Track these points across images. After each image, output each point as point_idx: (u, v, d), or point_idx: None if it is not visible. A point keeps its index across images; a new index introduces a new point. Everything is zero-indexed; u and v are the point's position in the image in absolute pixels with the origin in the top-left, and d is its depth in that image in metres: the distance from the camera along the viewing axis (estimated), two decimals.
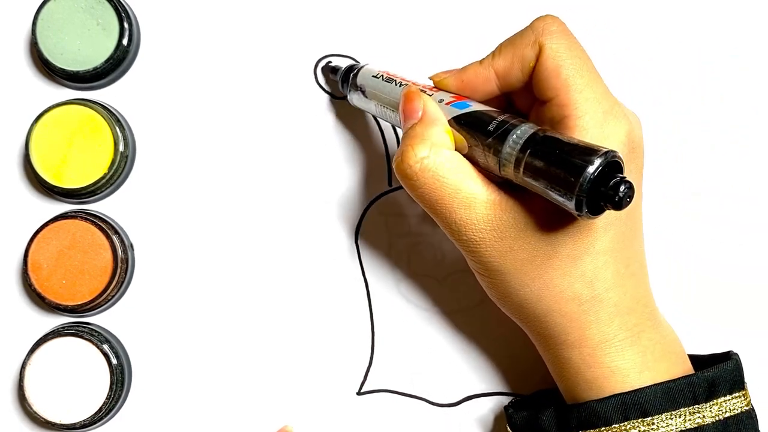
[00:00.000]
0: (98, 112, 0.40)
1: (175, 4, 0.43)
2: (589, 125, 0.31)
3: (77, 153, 0.40)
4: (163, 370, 0.41)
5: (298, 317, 0.41)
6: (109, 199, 0.42)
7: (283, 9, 0.43)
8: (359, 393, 0.41)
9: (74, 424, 0.39)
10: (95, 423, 0.40)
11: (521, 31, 0.33)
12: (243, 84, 0.42)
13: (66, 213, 0.41)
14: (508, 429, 0.36)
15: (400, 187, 0.42)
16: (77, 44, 0.41)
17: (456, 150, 0.32)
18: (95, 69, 0.41)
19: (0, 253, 0.42)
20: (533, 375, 0.41)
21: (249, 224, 0.42)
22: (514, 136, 0.30)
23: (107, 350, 0.40)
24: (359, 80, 0.38)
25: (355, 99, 0.39)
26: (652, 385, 0.31)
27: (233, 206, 0.42)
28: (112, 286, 0.40)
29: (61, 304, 0.40)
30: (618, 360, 0.32)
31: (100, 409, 0.39)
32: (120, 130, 0.41)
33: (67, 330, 0.40)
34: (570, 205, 0.28)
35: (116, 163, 0.41)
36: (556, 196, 0.28)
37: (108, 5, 0.41)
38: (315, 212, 0.42)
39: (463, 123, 0.32)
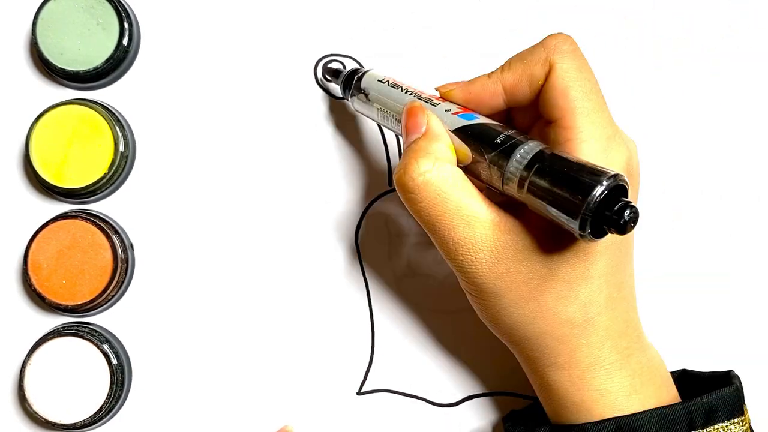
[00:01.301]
0: (98, 112, 0.40)
1: (175, 4, 0.43)
2: (593, 150, 0.31)
3: (77, 153, 0.40)
4: (163, 370, 0.41)
5: (298, 317, 0.41)
6: (109, 199, 0.42)
7: (283, 9, 0.43)
8: (359, 393, 0.41)
9: (74, 424, 0.39)
10: (95, 423, 0.40)
11: (532, 47, 0.33)
12: (243, 84, 0.42)
13: (66, 213, 0.41)
14: None
15: None
16: (77, 44, 0.41)
17: (458, 162, 0.32)
18: (95, 69, 0.41)
19: (0, 253, 0.42)
20: None
21: (249, 224, 0.42)
22: (521, 152, 0.30)
23: (107, 350, 0.40)
24: (363, 83, 0.38)
25: (356, 102, 0.39)
26: (648, 410, 0.31)
27: (233, 206, 0.42)
28: (112, 286, 0.40)
29: (61, 304, 0.40)
30: (607, 383, 0.32)
31: (100, 409, 0.39)
32: (120, 130, 0.41)
33: (67, 330, 0.40)
34: (574, 225, 0.27)
35: (116, 163, 0.41)
36: (559, 216, 0.28)
37: (108, 5, 0.41)
38: (315, 213, 0.42)
39: (469, 134, 0.32)
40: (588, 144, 0.31)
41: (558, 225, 0.29)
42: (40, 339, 0.40)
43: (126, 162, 0.41)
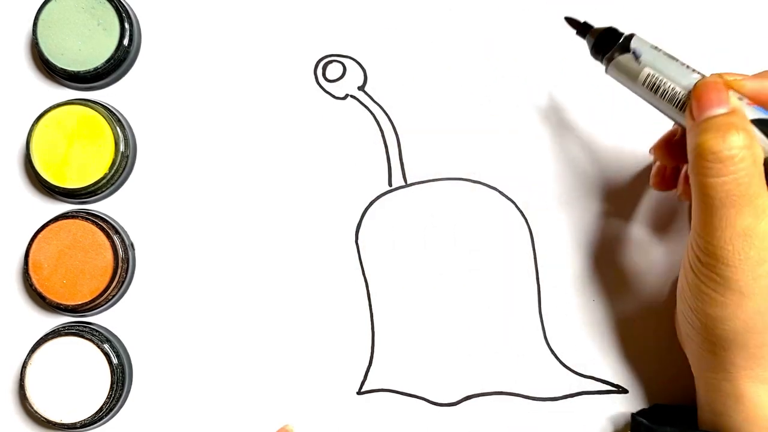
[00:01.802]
0: (99, 113, 0.40)
1: (176, 4, 0.43)
2: None
3: (78, 153, 0.40)
4: (163, 369, 0.41)
5: (298, 317, 0.41)
6: (110, 199, 0.42)
7: (283, 9, 0.43)
8: (359, 393, 0.41)
9: (75, 423, 0.39)
10: (96, 422, 0.40)
11: None
12: (243, 84, 0.42)
13: (67, 213, 0.41)
14: None
15: (400, 187, 0.42)
16: (78, 44, 0.41)
17: None
18: (96, 69, 0.41)
19: (1, 253, 0.42)
20: (533, 375, 0.41)
21: (249, 224, 0.42)
22: None
23: (108, 350, 0.40)
24: (634, 43, 0.34)
25: (617, 63, 0.34)
26: None
27: (234, 206, 0.42)
28: (112, 286, 0.40)
29: (61, 304, 0.40)
30: None
31: (101, 408, 0.39)
32: (120, 130, 0.41)
33: (67, 330, 0.40)
34: None
35: (117, 163, 0.41)
36: None
37: (109, 5, 0.41)
38: (315, 212, 0.42)
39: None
40: None
41: None
42: (41, 339, 0.40)
43: (126, 162, 0.41)
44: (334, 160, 0.42)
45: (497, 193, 0.42)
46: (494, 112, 0.42)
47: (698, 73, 0.33)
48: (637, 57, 0.34)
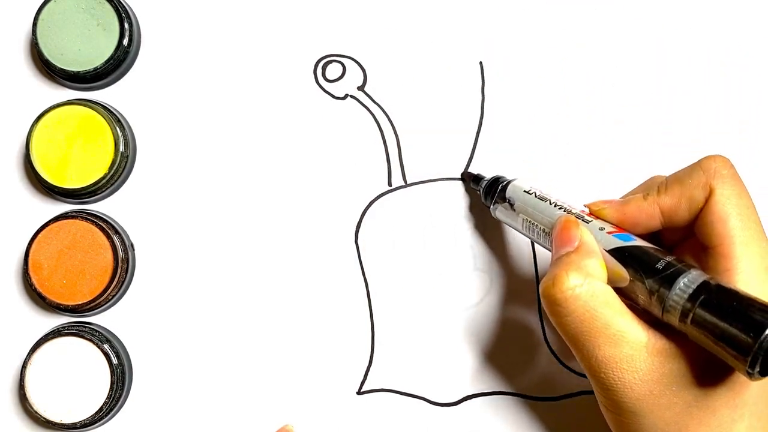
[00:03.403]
0: (99, 113, 0.40)
1: (176, 4, 0.43)
2: (751, 281, 0.30)
3: (78, 153, 0.40)
4: (163, 370, 0.41)
5: (298, 317, 0.41)
6: (110, 199, 0.42)
7: (283, 9, 0.43)
8: (359, 392, 0.41)
9: (75, 423, 0.39)
10: (96, 423, 0.40)
11: (689, 169, 0.32)
12: (243, 84, 0.42)
13: (66, 213, 0.41)
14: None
15: (400, 187, 0.42)
16: (78, 45, 0.41)
17: (610, 283, 0.31)
18: (96, 69, 0.41)
19: (1, 253, 0.42)
20: (533, 374, 0.41)
21: (249, 224, 0.42)
22: (685, 281, 0.29)
23: (108, 350, 0.40)
24: (508, 193, 0.38)
25: (499, 210, 0.38)
26: None
27: (233, 206, 0.42)
28: (112, 286, 0.40)
29: (61, 304, 0.40)
30: None
31: (101, 408, 0.39)
32: (120, 131, 0.41)
33: (67, 330, 0.40)
34: (742, 363, 0.26)
35: (117, 164, 0.41)
36: (725, 351, 0.27)
37: (108, 6, 0.41)
38: (315, 212, 0.42)
39: (627, 255, 0.31)
40: (746, 275, 0.30)
41: (718, 358, 0.28)
42: (41, 339, 0.40)
43: (126, 162, 0.41)
44: (334, 160, 0.42)
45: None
46: (494, 112, 0.42)
47: (564, 209, 0.35)
48: (511, 204, 0.37)
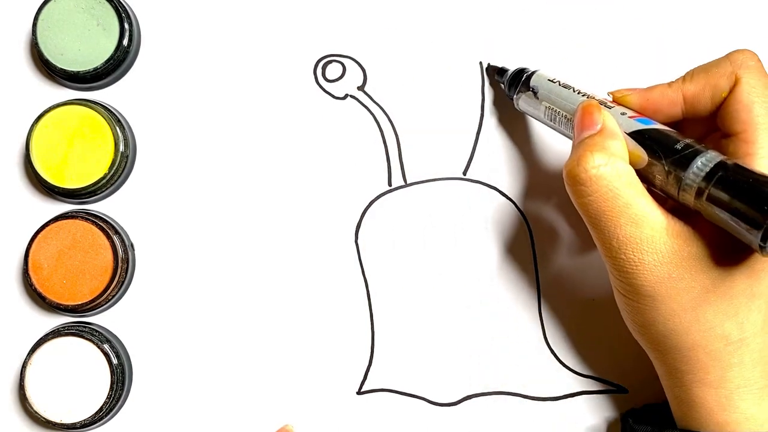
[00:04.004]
0: (99, 113, 0.40)
1: (176, 4, 0.43)
2: None
3: (78, 153, 0.40)
4: (163, 370, 0.41)
5: (298, 317, 0.41)
6: (110, 199, 0.42)
7: (283, 9, 0.43)
8: (359, 392, 0.41)
9: (75, 423, 0.39)
10: (96, 423, 0.40)
11: (717, 60, 0.33)
12: (243, 84, 0.42)
13: (66, 213, 0.41)
14: None
15: (400, 187, 0.42)
16: (77, 45, 0.41)
17: (631, 164, 0.32)
18: (95, 69, 0.41)
19: (1, 253, 0.42)
20: (533, 374, 0.41)
21: (249, 224, 0.42)
22: (703, 160, 0.29)
23: (108, 350, 0.40)
24: (533, 81, 0.38)
25: (522, 99, 0.39)
26: None
27: (233, 206, 0.42)
28: (112, 286, 0.40)
29: (61, 304, 0.40)
30: (754, 408, 0.31)
31: (101, 408, 0.39)
32: (120, 131, 0.41)
33: (67, 330, 0.40)
34: (755, 236, 0.27)
35: (117, 164, 0.41)
36: (740, 226, 0.27)
37: (108, 5, 0.41)
38: (315, 212, 0.42)
39: (646, 137, 0.31)
40: (767, 159, 0.30)
41: (733, 237, 0.28)
42: (41, 339, 0.40)
43: (126, 162, 0.41)
44: (334, 160, 0.42)
45: (497, 193, 0.42)
46: (494, 112, 0.42)
47: (587, 96, 0.35)
48: (535, 93, 0.37)
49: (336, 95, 0.42)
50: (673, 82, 0.34)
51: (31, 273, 0.40)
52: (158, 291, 0.42)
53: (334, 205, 0.42)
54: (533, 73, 0.38)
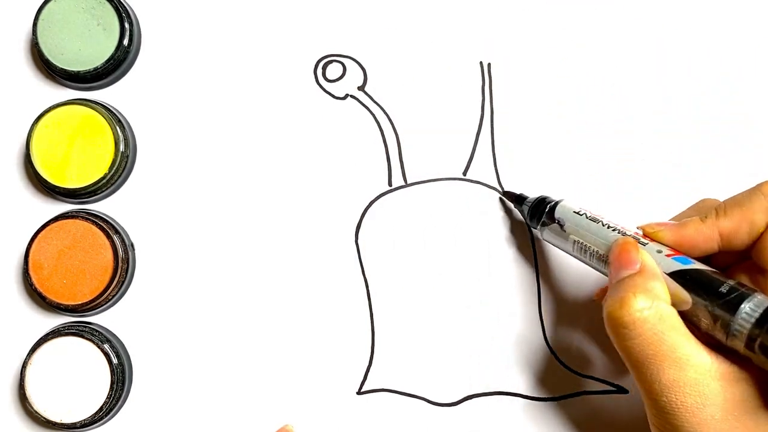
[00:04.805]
0: (99, 112, 0.40)
1: (176, 4, 0.43)
2: None
3: (78, 153, 0.41)
4: (163, 369, 0.41)
5: (298, 317, 0.41)
6: (110, 198, 0.42)
7: (283, 9, 0.43)
8: (359, 393, 0.41)
9: (75, 423, 0.39)
10: (96, 422, 0.40)
11: (748, 193, 0.32)
12: (243, 84, 0.42)
13: (67, 213, 0.41)
14: None
15: (401, 187, 0.42)
16: (78, 44, 0.41)
17: (673, 306, 0.31)
18: (96, 69, 0.41)
19: (1, 253, 0.42)
20: (533, 374, 0.41)
21: (249, 224, 0.42)
22: (750, 305, 0.28)
23: (108, 350, 0.40)
24: (557, 214, 0.37)
25: (546, 232, 0.38)
26: None
27: (234, 206, 0.42)
28: (112, 286, 0.40)
29: (61, 304, 0.40)
30: None
31: (101, 408, 0.39)
32: (120, 130, 0.41)
33: (67, 329, 0.40)
34: None
35: (117, 163, 0.41)
36: None
37: (109, 5, 0.41)
38: (315, 212, 0.42)
39: (688, 279, 0.31)
40: None
41: None
42: (41, 338, 0.40)
43: (126, 162, 0.41)
44: (334, 160, 0.42)
45: (497, 193, 0.42)
46: (494, 112, 0.42)
47: (618, 231, 0.34)
48: (561, 225, 0.36)
49: (336, 95, 0.42)
50: (706, 218, 0.33)
51: (31, 273, 0.40)
52: (158, 291, 0.42)
53: (335, 205, 0.42)
54: (556, 203, 0.38)
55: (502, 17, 0.42)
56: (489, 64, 0.42)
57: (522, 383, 0.41)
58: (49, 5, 0.41)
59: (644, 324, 0.30)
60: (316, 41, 0.43)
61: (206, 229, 0.42)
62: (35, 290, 0.40)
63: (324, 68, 0.43)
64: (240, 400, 0.41)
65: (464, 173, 0.42)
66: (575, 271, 0.41)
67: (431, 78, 0.42)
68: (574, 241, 0.36)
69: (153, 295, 0.42)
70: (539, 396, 0.41)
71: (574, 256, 0.37)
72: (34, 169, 0.40)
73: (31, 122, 0.41)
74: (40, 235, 0.40)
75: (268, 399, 0.41)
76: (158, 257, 0.42)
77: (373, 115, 0.42)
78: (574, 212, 0.36)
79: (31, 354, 0.40)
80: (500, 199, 0.41)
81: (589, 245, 0.35)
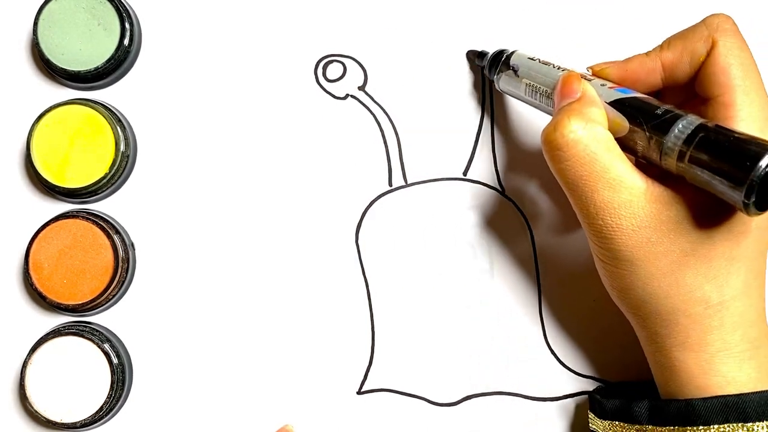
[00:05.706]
0: (99, 112, 0.40)
1: (176, 4, 0.43)
2: (752, 128, 0.30)
3: (78, 153, 0.41)
4: (163, 369, 0.41)
5: (298, 317, 0.42)
6: (110, 198, 0.42)
7: (283, 9, 0.43)
8: (359, 392, 0.41)
9: (75, 423, 0.39)
10: (96, 422, 0.40)
11: (693, 26, 0.33)
12: (243, 84, 0.42)
13: (67, 212, 0.41)
14: (592, 415, 0.36)
15: (401, 187, 0.42)
16: (78, 44, 0.41)
17: (612, 132, 0.32)
18: (96, 69, 0.41)
19: (1, 253, 0.42)
20: (533, 374, 0.41)
21: (249, 224, 0.42)
22: (683, 123, 0.29)
23: (108, 349, 0.40)
24: (513, 60, 0.38)
25: (503, 80, 0.39)
26: (758, 392, 0.31)
27: (234, 206, 0.42)
28: (113, 286, 0.40)
29: (62, 304, 0.40)
30: (735, 371, 0.31)
31: (101, 408, 0.39)
32: (121, 130, 0.41)
33: (68, 329, 0.40)
34: (738, 194, 0.27)
35: (117, 163, 0.41)
36: (723, 185, 0.27)
37: (109, 5, 0.41)
38: (315, 212, 0.42)
39: (626, 105, 0.32)
40: (747, 123, 0.30)
41: (714, 200, 0.28)
42: (41, 338, 0.40)
43: (127, 162, 0.41)
44: (334, 160, 0.42)
45: (497, 193, 0.42)
46: (494, 112, 0.42)
47: (567, 70, 0.35)
48: (515, 71, 0.38)
49: (337, 95, 0.42)
50: (650, 51, 0.34)
51: (31, 272, 0.40)
52: (158, 291, 0.42)
53: (335, 205, 0.42)
54: (513, 52, 0.39)
55: (503, 17, 0.43)
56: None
57: (522, 383, 0.41)
58: (50, 5, 0.41)
59: (577, 145, 0.31)
60: (317, 41, 0.43)
61: (206, 229, 0.42)
62: (35, 290, 0.40)
63: (324, 68, 0.43)
64: (240, 400, 0.41)
65: (464, 173, 0.42)
66: (575, 271, 0.41)
67: (431, 78, 0.42)
68: (527, 84, 0.37)
69: (153, 295, 0.42)
70: (539, 396, 0.41)
71: (527, 101, 0.38)
72: (35, 168, 0.40)
73: (32, 122, 0.41)
74: (40, 234, 0.40)
75: (268, 399, 0.41)
76: (158, 257, 0.42)
77: (374, 115, 0.42)
78: (528, 58, 0.38)
79: (32, 354, 0.40)
80: (466, 56, 0.42)
81: (538, 85, 0.36)
